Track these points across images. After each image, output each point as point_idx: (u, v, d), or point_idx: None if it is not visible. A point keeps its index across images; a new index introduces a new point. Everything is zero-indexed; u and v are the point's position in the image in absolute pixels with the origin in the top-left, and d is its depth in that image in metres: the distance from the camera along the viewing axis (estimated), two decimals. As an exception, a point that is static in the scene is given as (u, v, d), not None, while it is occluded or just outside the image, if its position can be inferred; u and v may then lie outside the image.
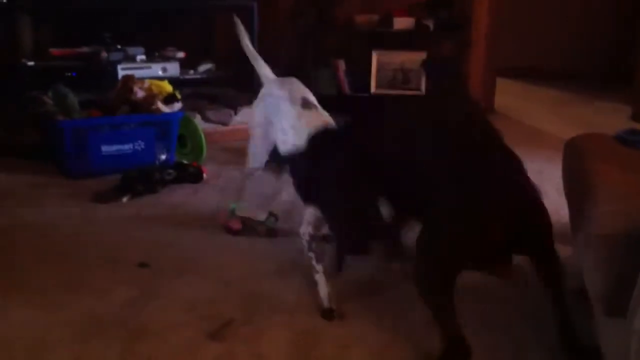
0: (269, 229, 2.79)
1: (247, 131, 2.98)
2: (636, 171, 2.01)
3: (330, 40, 4.97)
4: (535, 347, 2.05)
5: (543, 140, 4.39)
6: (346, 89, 4.95)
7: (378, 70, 4.97)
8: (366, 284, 2.42)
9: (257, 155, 2.78)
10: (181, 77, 4.36)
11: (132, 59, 4.32)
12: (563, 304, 2.00)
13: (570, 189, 2.33)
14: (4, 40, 4.14)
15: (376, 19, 4.93)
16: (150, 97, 3.58)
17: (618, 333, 1.56)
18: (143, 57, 4.38)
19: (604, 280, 1.61)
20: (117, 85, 3.68)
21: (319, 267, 2.29)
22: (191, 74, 4.50)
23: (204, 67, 4.58)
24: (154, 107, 3.56)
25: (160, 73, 4.26)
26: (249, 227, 2.81)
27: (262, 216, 2.81)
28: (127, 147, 3.53)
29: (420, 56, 4.91)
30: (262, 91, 2.76)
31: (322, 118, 2.54)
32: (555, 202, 2.71)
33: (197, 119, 4.08)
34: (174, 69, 4.37)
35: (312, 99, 2.63)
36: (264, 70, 2.84)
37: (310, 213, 2.35)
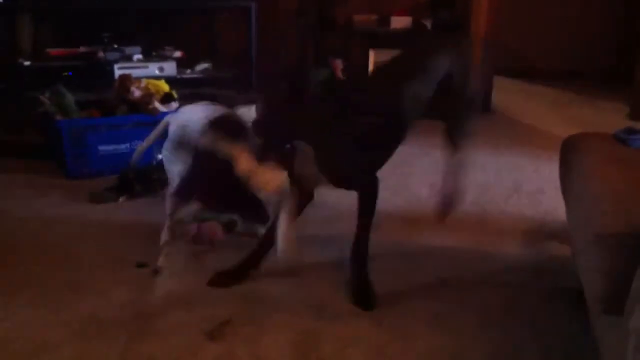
0: (229, 222, 2.78)
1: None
2: (633, 169, 2.01)
3: (330, 40, 4.97)
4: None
5: (542, 140, 4.40)
6: (343, 88, 4.94)
7: (375, 69, 4.97)
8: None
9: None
10: (178, 77, 4.36)
11: (129, 58, 4.33)
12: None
13: (567, 188, 2.33)
14: (2, 41, 4.14)
15: (374, 18, 4.94)
16: (147, 96, 3.58)
17: (615, 332, 1.57)
18: (140, 56, 4.38)
19: (602, 279, 1.61)
20: (114, 85, 3.68)
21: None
22: (188, 74, 4.50)
23: (201, 67, 4.58)
24: (151, 106, 3.56)
25: (157, 72, 4.26)
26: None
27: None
28: (124, 146, 3.53)
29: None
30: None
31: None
32: (553, 201, 2.72)
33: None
34: (171, 68, 4.37)
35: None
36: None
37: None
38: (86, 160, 3.46)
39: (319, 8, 4.87)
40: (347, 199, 2.33)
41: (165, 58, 4.44)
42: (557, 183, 2.50)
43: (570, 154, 2.40)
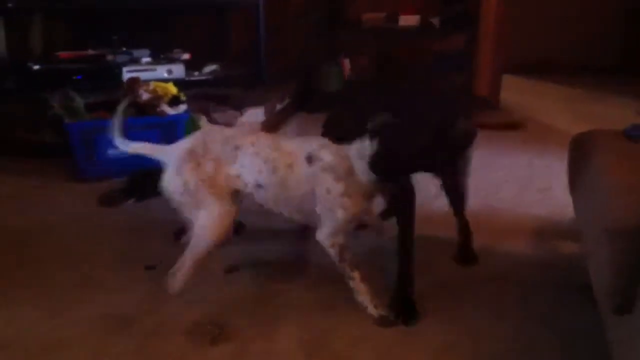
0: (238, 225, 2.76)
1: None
2: (643, 166, 2.00)
3: (339, 38, 4.97)
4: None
5: (553, 137, 4.38)
6: (352, 87, 4.95)
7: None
8: (373, 282, 2.41)
9: None
10: (186, 79, 4.36)
11: (137, 61, 4.33)
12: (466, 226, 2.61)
13: (577, 185, 2.32)
14: (12, 43, 4.17)
15: (383, 16, 4.93)
16: (156, 99, 3.59)
17: (626, 328, 1.55)
18: (148, 59, 4.39)
19: (612, 274, 1.60)
20: (123, 88, 3.69)
21: (354, 275, 2.19)
22: (196, 76, 4.51)
23: (209, 69, 4.58)
24: (159, 109, 3.57)
25: (165, 75, 4.27)
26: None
27: None
28: (133, 149, 3.53)
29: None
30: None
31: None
32: (563, 199, 2.70)
33: (203, 121, 4.08)
34: (179, 70, 4.37)
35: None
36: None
37: (334, 220, 2.17)
38: (95, 162, 3.47)
39: (329, 5, 4.87)
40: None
41: (173, 60, 4.44)
42: (567, 180, 2.49)
43: (579, 150, 2.39)
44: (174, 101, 3.65)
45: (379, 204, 2.47)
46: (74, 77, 4.16)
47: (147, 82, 3.71)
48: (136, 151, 2.39)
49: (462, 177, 2.52)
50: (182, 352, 2.00)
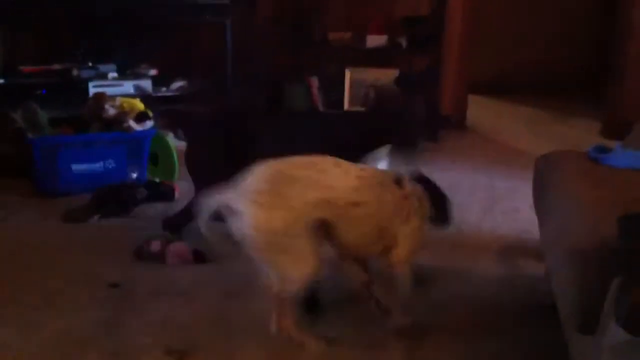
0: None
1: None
2: (605, 187, 2.03)
3: (306, 57, 4.99)
4: None
5: (517, 158, 4.40)
6: (319, 105, 4.96)
7: (351, 88, 4.99)
8: (335, 302, 2.41)
9: None
10: (154, 95, 4.33)
11: (104, 76, 4.29)
12: None
13: (541, 206, 2.35)
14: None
15: (349, 36, 4.97)
16: (122, 114, 3.56)
17: (589, 348, 1.57)
18: (115, 74, 4.35)
19: (575, 295, 1.62)
20: (88, 103, 3.66)
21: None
22: (163, 91, 4.48)
23: (176, 85, 4.56)
24: (125, 125, 3.54)
25: (132, 90, 4.24)
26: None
27: None
28: (98, 165, 3.50)
29: (392, 73, 4.94)
30: None
31: None
32: (530, 220, 2.73)
33: (170, 137, 4.05)
34: (146, 86, 4.34)
35: None
36: None
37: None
38: (59, 178, 3.42)
39: (295, 24, 4.89)
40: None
41: (140, 76, 4.41)
42: (532, 201, 2.52)
43: (543, 171, 2.42)
44: (141, 117, 3.62)
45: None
46: (39, 92, 4.11)
47: (113, 97, 3.69)
48: None
49: None
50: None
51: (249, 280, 2.54)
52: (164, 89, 4.50)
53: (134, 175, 3.59)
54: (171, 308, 2.34)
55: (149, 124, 3.64)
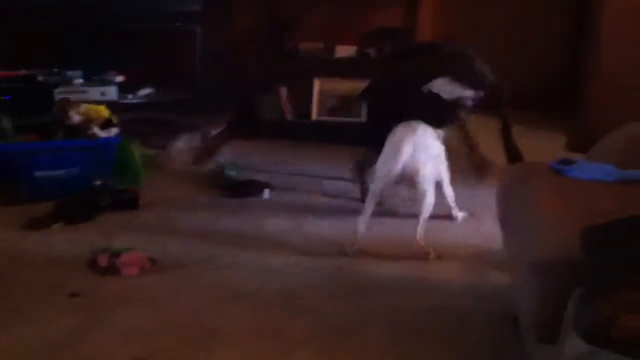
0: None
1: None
2: (568, 198, 2.05)
3: (277, 67, 4.99)
4: None
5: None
6: (289, 115, 4.95)
7: (320, 98, 4.99)
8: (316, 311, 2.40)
9: None
10: (120, 102, 4.29)
11: (69, 82, 4.25)
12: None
13: (505, 217, 2.36)
14: None
15: (320, 47, 4.98)
16: (87, 121, 3.51)
17: (551, 357, 1.58)
18: (81, 80, 4.31)
19: (536, 306, 1.62)
20: (54, 109, 3.61)
21: None
22: (130, 99, 4.44)
23: (144, 92, 4.53)
24: (90, 132, 3.50)
25: (98, 97, 4.19)
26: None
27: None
28: (61, 172, 3.44)
29: (361, 84, 4.95)
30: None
31: None
32: (493, 229, 2.75)
33: (136, 144, 4.01)
34: (112, 93, 4.30)
35: None
36: None
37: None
38: (21, 185, 3.37)
39: (268, 35, 4.90)
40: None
41: (107, 82, 4.37)
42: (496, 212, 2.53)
43: (508, 183, 2.43)
44: (106, 124, 3.58)
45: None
46: (3, 98, 4.05)
47: (78, 103, 3.64)
48: None
49: None
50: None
51: (218, 287, 2.55)
52: (130, 96, 4.46)
53: (98, 182, 3.54)
54: (136, 317, 2.30)
55: (114, 130, 3.60)
